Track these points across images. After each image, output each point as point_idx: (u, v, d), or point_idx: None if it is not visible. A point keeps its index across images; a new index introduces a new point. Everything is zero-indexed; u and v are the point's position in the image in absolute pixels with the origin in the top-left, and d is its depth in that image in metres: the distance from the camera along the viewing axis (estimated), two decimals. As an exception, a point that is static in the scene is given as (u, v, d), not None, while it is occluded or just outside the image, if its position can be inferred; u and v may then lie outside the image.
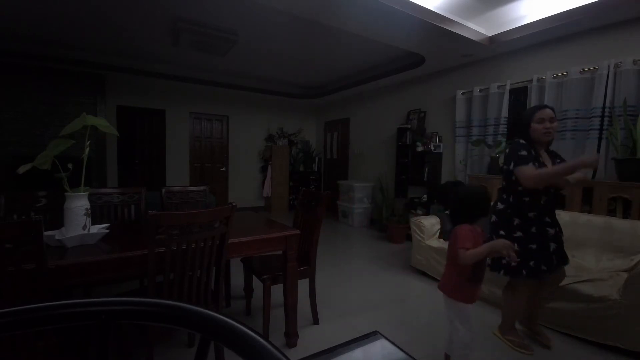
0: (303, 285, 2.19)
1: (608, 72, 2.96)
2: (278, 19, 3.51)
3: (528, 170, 1.70)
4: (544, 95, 3.41)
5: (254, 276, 2.27)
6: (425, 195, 4.72)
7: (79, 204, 1.57)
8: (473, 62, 4.24)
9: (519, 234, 1.81)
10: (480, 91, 4.08)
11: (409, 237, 3.91)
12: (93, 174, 5.17)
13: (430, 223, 3.34)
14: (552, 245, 1.82)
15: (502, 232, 1.86)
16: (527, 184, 1.72)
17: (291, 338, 2.01)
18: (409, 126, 5.12)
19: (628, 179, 2.66)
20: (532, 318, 2.12)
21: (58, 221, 1.65)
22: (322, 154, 7.79)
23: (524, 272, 1.79)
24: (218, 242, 1.60)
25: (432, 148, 4.69)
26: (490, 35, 3.60)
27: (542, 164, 1.76)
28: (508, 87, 3.76)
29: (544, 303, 2.11)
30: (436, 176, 4.68)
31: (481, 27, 3.55)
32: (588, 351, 1.99)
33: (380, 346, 0.69)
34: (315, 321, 2.29)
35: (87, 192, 1.62)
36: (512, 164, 1.78)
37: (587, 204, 2.91)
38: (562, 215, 2.81)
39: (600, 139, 3.03)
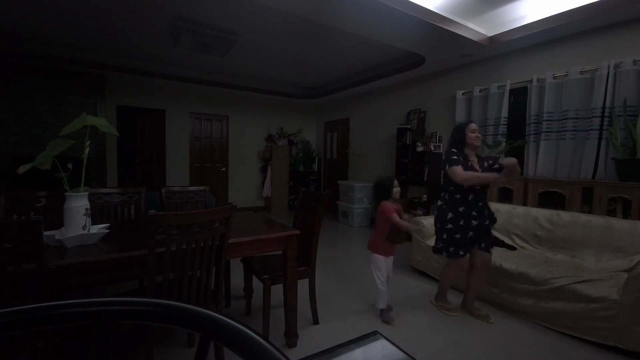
0: (303, 285, 2.19)
1: (608, 73, 2.96)
2: (278, 19, 3.52)
3: (458, 170, 2.16)
4: (543, 96, 3.42)
5: (253, 276, 2.27)
6: (425, 196, 4.72)
7: (78, 204, 1.57)
8: (473, 62, 4.24)
9: (449, 226, 2.28)
10: (480, 91, 4.08)
11: (408, 237, 3.90)
12: (93, 174, 5.17)
13: (430, 223, 3.33)
14: (470, 234, 2.26)
15: (438, 225, 2.37)
16: (456, 180, 2.18)
17: (291, 338, 2.01)
18: (409, 126, 5.12)
19: (628, 179, 2.67)
20: (466, 301, 2.48)
21: (58, 221, 1.65)
22: (322, 154, 7.80)
23: (444, 253, 2.33)
24: (218, 242, 1.60)
25: (432, 148, 4.69)
26: (490, 35, 3.61)
27: (470, 167, 2.21)
28: (508, 88, 3.76)
29: (478, 285, 2.45)
30: (436, 176, 4.67)
31: (481, 27, 3.56)
32: (588, 351, 1.99)
33: (380, 346, 0.69)
34: (315, 321, 2.29)
35: (87, 192, 1.62)
36: (447, 166, 2.22)
37: (587, 204, 2.91)
38: (562, 216, 2.82)
39: (600, 139, 3.03)
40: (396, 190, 2.36)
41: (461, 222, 2.25)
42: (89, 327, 1.50)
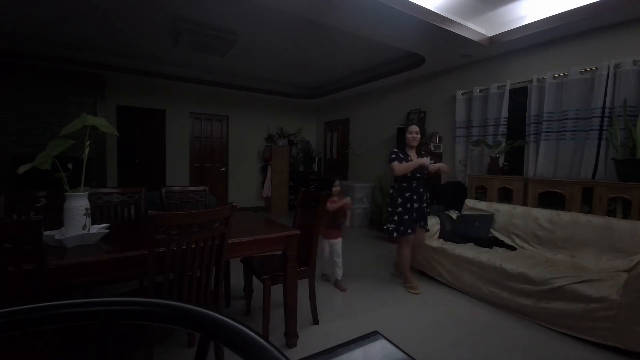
0: (303, 285, 2.19)
1: (608, 73, 2.96)
2: (278, 19, 3.52)
3: (393, 165, 2.76)
4: (543, 96, 3.42)
5: (253, 276, 2.27)
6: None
7: (78, 203, 1.57)
8: (473, 62, 4.24)
9: (400, 209, 2.81)
10: (480, 91, 4.08)
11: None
12: (93, 174, 5.17)
13: (430, 223, 3.33)
14: (414, 215, 2.82)
15: (390, 209, 2.88)
16: (394, 173, 2.78)
17: (291, 338, 2.01)
18: (409, 126, 5.11)
19: (628, 179, 2.67)
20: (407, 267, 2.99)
21: (58, 221, 1.65)
22: (322, 154, 7.80)
23: (395, 234, 2.82)
24: (218, 242, 1.60)
25: (432, 148, 4.69)
26: (490, 35, 3.60)
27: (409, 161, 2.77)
28: (508, 88, 3.76)
29: (415, 255, 3.13)
30: (436, 176, 4.67)
31: (481, 28, 3.56)
32: (588, 352, 1.99)
33: (380, 346, 0.69)
34: (315, 321, 2.29)
35: (87, 192, 1.62)
36: (389, 160, 2.81)
37: (587, 204, 2.91)
38: (562, 216, 2.82)
39: (600, 139, 3.03)
40: (336, 189, 2.99)
41: (407, 205, 2.79)
42: (89, 327, 1.50)
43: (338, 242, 2.96)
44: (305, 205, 2.32)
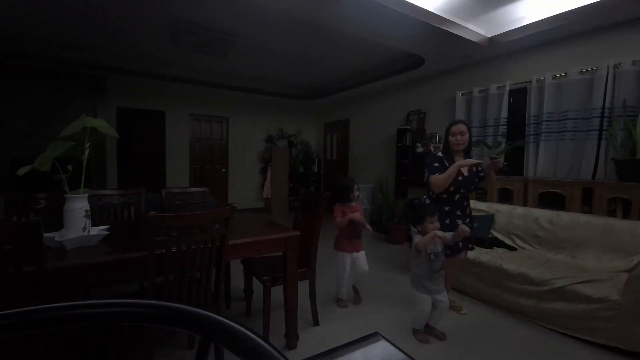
0: (303, 286, 2.18)
1: (607, 73, 2.97)
2: (277, 20, 3.52)
3: (432, 179, 2.21)
4: (543, 96, 3.42)
5: (254, 277, 2.27)
6: (425, 197, 4.71)
7: (78, 205, 1.57)
8: (472, 63, 4.25)
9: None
10: (479, 92, 4.09)
11: (409, 238, 3.90)
12: (93, 176, 5.16)
13: (430, 224, 3.34)
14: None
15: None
16: (433, 190, 2.23)
17: (291, 339, 2.01)
18: (409, 127, 5.12)
19: (628, 179, 2.67)
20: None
21: (58, 223, 1.65)
22: (321, 155, 7.80)
23: (447, 252, 2.26)
24: (218, 243, 1.60)
25: (432, 149, 4.69)
26: (489, 36, 3.61)
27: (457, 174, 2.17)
28: (507, 88, 3.76)
29: (453, 279, 2.55)
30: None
31: (480, 29, 3.56)
32: (588, 352, 1.98)
33: (380, 347, 0.69)
34: (316, 322, 2.28)
35: (87, 194, 1.62)
36: (427, 173, 2.29)
37: (587, 204, 2.91)
38: (562, 216, 2.82)
39: (599, 139, 3.03)
40: (353, 195, 2.54)
41: (447, 221, 2.23)
42: (89, 328, 1.50)
43: (362, 255, 2.60)
44: (305, 206, 2.32)
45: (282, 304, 2.05)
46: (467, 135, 2.23)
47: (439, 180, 2.16)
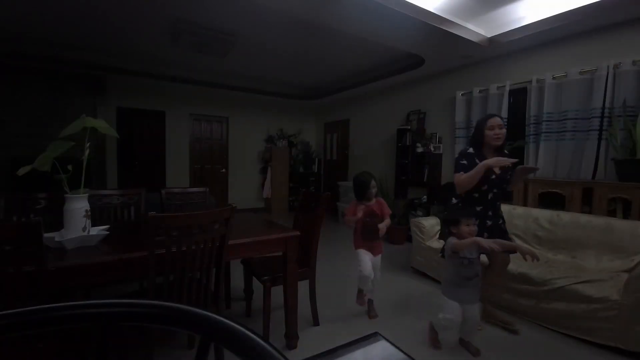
0: (303, 286, 2.18)
1: (607, 73, 2.96)
2: (277, 20, 3.52)
3: (456, 178, 2.06)
4: (543, 96, 3.42)
5: (254, 277, 2.27)
6: (425, 196, 4.72)
7: (78, 205, 1.57)
8: (472, 63, 4.25)
9: None
10: (479, 92, 4.09)
11: (409, 238, 3.90)
12: (93, 176, 5.16)
13: (431, 224, 3.34)
14: (485, 235, 2.07)
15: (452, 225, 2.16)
16: (458, 190, 2.08)
17: (291, 340, 2.01)
18: (409, 127, 5.12)
19: (628, 179, 2.67)
20: (485, 309, 2.27)
21: (58, 223, 1.65)
22: (321, 155, 7.80)
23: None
24: (218, 243, 1.60)
25: (432, 149, 4.69)
26: (489, 36, 3.61)
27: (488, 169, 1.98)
28: (507, 88, 3.76)
29: (494, 290, 2.29)
30: (436, 177, 4.68)
31: (480, 29, 3.56)
32: (588, 352, 1.98)
33: (380, 347, 0.69)
34: (316, 323, 2.28)
35: (87, 194, 1.62)
36: (454, 170, 2.13)
37: (587, 204, 2.91)
38: (562, 216, 2.82)
39: (599, 139, 3.03)
40: (370, 192, 2.34)
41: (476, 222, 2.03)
42: (89, 328, 1.50)
43: (377, 262, 2.42)
44: (305, 206, 2.32)
45: (282, 304, 2.05)
46: (504, 130, 2.04)
47: (462, 179, 1.99)
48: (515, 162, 1.92)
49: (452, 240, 1.86)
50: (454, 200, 2.20)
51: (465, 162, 2.05)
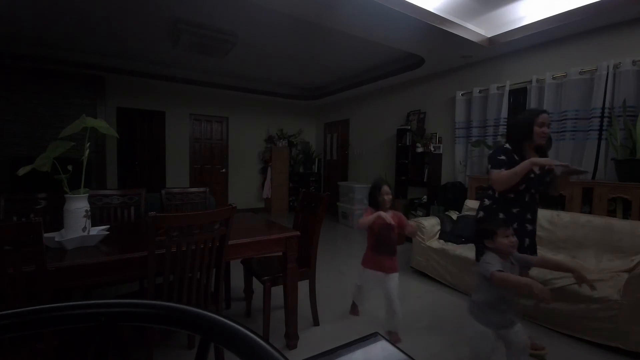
0: (303, 286, 2.18)
1: (607, 73, 2.96)
2: (277, 21, 3.52)
3: (494, 175, 1.86)
4: (543, 96, 3.42)
5: (254, 277, 2.27)
6: (425, 196, 4.72)
7: (78, 205, 1.57)
8: (472, 63, 4.25)
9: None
10: (479, 92, 4.09)
11: (409, 238, 3.90)
12: (93, 176, 5.17)
13: (431, 224, 3.34)
14: (527, 241, 1.91)
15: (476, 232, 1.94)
16: (495, 187, 1.89)
17: (291, 339, 2.01)
18: (409, 127, 5.12)
19: (628, 179, 2.67)
20: None
21: (58, 223, 1.65)
22: (321, 155, 7.80)
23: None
24: (218, 243, 1.60)
25: (432, 149, 4.69)
26: (489, 36, 3.61)
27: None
28: (507, 88, 3.76)
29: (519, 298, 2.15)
30: (436, 177, 4.68)
31: (480, 29, 3.56)
32: (588, 352, 1.98)
33: (380, 348, 0.69)
34: (316, 322, 2.28)
35: (87, 194, 1.62)
36: (490, 166, 1.92)
37: (587, 204, 2.91)
38: (562, 216, 2.82)
39: (599, 139, 3.03)
40: (383, 198, 2.06)
41: (515, 225, 1.83)
42: (89, 329, 1.50)
43: (395, 277, 2.09)
44: (305, 206, 2.32)
45: (282, 304, 2.05)
46: (549, 130, 1.89)
47: (503, 176, 1.80)
48: (565, 165, 1.76)
49: (487, 258, 1.54)
50: (487, 202, 1.98)
51: (504, 157, 1.87)
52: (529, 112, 1.94)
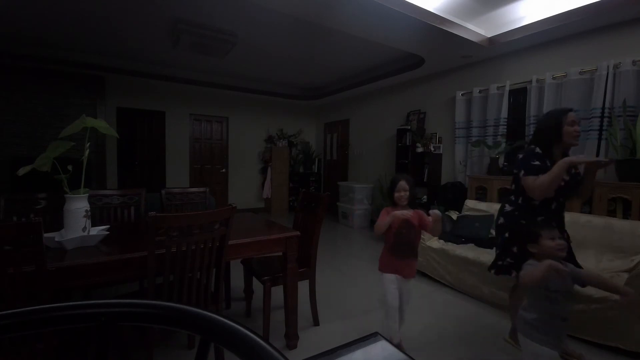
0: (303, 286, 2.18)
1: (607, 73, 2.96)
2: (277, 21, 3.52)
3: (529, 182, 1.68)
4: (543, 96, 3.42)
5: (254, 277, 2.27)
6: (425, 196, 4.72)
7: (78, 205, 1.57)
8: (472, 63, 4.25)
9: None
10: (479, 92, 4.09)
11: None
12: (93, 176, 5.17)
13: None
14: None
15: (507, 235, 1.84)
16: (533, 196, 1.69)
17: (291, 339, 2.01)
18: (409, 127, 5.12)
19: (628, 179, 2.67)
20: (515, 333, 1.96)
21: (58, 223, 1.65)
22: (321, 155, 7.80)
23: (514, 273, 1.78)
24: (218, 243, 1.60)
25: (432, 149, 4.69)
26: (489, 36, 3.61)
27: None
28: (507, 88, 3.76)
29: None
30: (436, 177, 4.68)
31: (480, 29, 3.56)
32: (588, 352, 1.98)
33: (380, 347, 0.69)
34: (316, 323, 2.29)
35: (87, 194, 1.62)
36: (522, 172, 1.72)
37: (587, 204, 2.91)
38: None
39: (599, 139, 3.03)
40: (398, 195, 1.86)
41: None
42: (89, 329, 1.50)
43: (411, 283, 1.97)
44: (305, 206, 2.32)
45: (282, 304, 2.05)
46: (580, 128, 1.76)
47: (542, 183, 1.62)
48: (603, 161, 1.62)
49: (527, 267, 1.41)
50: (508, 208, 1.86)
51: (538, 162, 1.70)
52: (556, 112, 1.79)
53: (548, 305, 1.36)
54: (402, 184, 1.87)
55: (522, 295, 1.78)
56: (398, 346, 1.52)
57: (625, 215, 2.70)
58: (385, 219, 1.83)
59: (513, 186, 1.89)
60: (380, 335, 0.71)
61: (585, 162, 1.66)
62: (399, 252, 1.88)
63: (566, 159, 1.62)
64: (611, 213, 2.76)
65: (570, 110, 1.75)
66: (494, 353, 1.99)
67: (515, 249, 1.76)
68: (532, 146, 1.78)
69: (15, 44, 4.33)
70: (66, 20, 3.65)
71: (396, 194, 1.86)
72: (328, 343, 2.00)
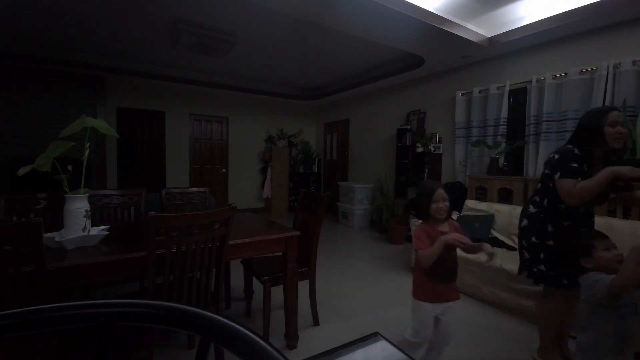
0: (303, 286, 2.18)
1: (607, 73, 2.96)
2: (277, 21, 3.52)
3: (567, 186, 1.55)
4: (543, 96, 3.42)
5: (254, 278, 2.27)
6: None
7: (78, 205, 1.57)
8: (472, 63, 4.25)
9: (551, 242, 1.67)
10: (479, 92, 4.09)
11: (409, 238, 3.91)
12: (93, 176, 5.17)
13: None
14: None
15: (534, 239, 1.72)
16: (569, 200, 1.57)
17: (291, 339, 2.01)
18: (409, 127, 5.12)
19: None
20: (559, 342, 1.85)
21: (58, 223, 1.65)
22: (321, 155, 7.80)
23: (565, 280, 1.63)
24: (218, 243, 1.60)
25: (432, 149, 4.69)
26: (489, 36, 3.61)
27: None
28: (507, 88, 3.76)
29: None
30: (436, 177, 4.68)
31: (480, 29, 3.56)
32: None
33: (380, 347, 0.69)
34: (316, 323, 2.29)
35: (87, 194, 1.62)
36: (559, 174, 1.59)
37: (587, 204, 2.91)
38: (562, 216, 2.81)
39: (599, 139, 3.03)
40: (437, 206, 1.53)
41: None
42: (89, 329, 1.50)
43: (455, 307, 1.59)
44: (305, 206, 2.32)
45: (282, 304, 2.05)
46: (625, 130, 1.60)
47: (583, 189, 1.50)
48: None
49: (591, 277, 1.27)
50: (532, 209, 1.75)
51: (576, 165, 1.56)
52: (596, 112, 1.65)
53: (616, 322, 1.23)
54: (441, 192, 1.54)
55: (564, 312, 1.68)
56: None
57: (625, 215, 2.69)
58: (427, 243, 1.49)
59: (539, 185, 1.76)
60: (380, 335, 0.71)
61: (630, 177, 1.51)
62: (444, 277, 1.56)
63: (613, 169, 1.49)
64: (611, 213, 2.76)
65: (614, 109, 1.59)
66: (495, 353, 1.99)
67: (542, 255, 1.67)
68: (570, 146, 1.64)
69: (15, 44, 4.33)
70: (66, 20, 3.65)
71: (434, 205, 1.53)
72: (328, 343, 2.00)
